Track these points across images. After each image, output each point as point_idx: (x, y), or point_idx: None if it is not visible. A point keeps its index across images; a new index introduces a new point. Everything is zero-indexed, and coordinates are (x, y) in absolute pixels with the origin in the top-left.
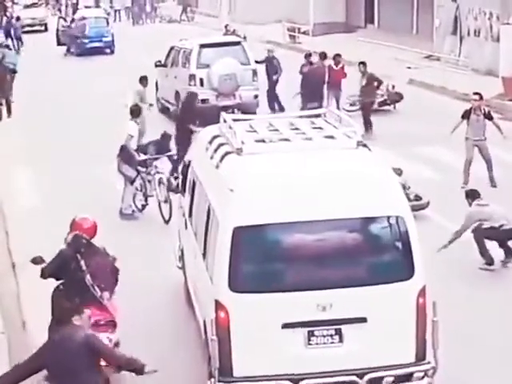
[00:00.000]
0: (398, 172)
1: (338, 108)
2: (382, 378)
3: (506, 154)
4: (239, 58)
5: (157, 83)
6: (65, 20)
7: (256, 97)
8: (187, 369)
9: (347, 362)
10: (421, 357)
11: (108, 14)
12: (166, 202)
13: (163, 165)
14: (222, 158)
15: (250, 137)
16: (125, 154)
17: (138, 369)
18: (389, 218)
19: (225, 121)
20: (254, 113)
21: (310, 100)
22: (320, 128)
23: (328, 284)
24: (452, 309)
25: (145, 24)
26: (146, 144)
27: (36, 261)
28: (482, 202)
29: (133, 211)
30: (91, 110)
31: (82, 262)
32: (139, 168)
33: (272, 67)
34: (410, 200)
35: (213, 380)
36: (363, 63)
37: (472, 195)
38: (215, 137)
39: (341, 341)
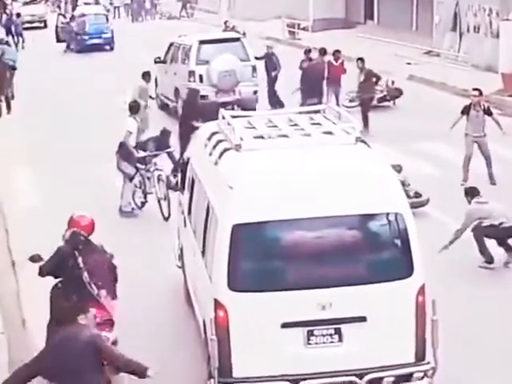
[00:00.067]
0: (398, 168)
1: (337, 104)
2: (381, 378)
3: (506, 150)
4: (239, 54)
5: (156, 79)
6: (64, 17)
7: (255, 93)
8: (187, 369)
9: (347, 362)
10: (420, 357)
11: (107, 10)
12: (165, 199)
13: (163, 162)
14: (221, 154)
15: (248, 133)
16: (124, 151)
17: (140, 372)
18: (388, 214)
19: (223, 117)
20: (254, 109)
21: (309, 96)
22: (319, 124)
23: (327, 282)
24: (452, 308)
25: (144, 21)
26: (145, 140)
27: (34, 259)
28: (482, 199)
29: (132, 209)
30: (91, 108)
31: (80, 259)
32: (138, 165)
33: (271, 63)
34: (409, 197)
35: (212, 380)
36: (361, 59)
37: (471, 193)
38: (214, 133)
39: (340, 340)
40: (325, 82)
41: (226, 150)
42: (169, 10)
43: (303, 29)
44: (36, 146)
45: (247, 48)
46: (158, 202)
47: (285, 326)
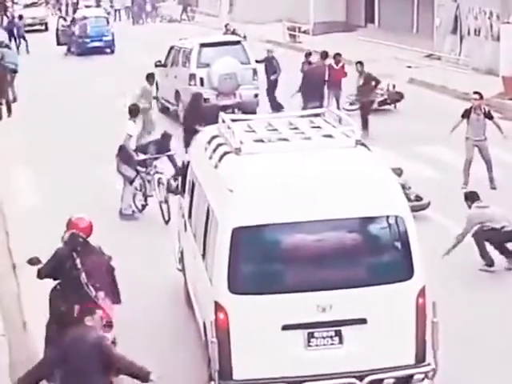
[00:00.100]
0: (398, 172)
1: (338, 107)
2: (381, 380)
3: (506, 154)
4: (239, 57)
5: (157, 83)
6: (65, 20)
7: (256, 96)
8: (187, 371)
9: (347, 363)
10: (421, 358)
11: (108, 13)
12: (165, 202)
13: (164, 165)
14: (221, 158)
15: (248, 137)
16: (124, 154)
17: (143, 376)
18: (388, 217)
19: (223, 121)
20: (255, 112)
21: (310, 99)
22: (319, 127)
23: (328, 285)
24: (452, 310)
25: (145, 23)
26: (146, 144)
27: (32, 261)
28: (482, 204)
29: (133, 211)
30: (91, 110)
31: (78, 261)
32: (138, 168)
33: (271, 67)
34: (410, 200)
35: (213, 382)
36: (360, 63)
37: (471, 197)
38: (214, 137)
39: (341, 342)
40: (325, 85)
41: (225, 153)
42: (169, 12)
43: (304, 32)
44: (36, 146)
45: (248, 51)
46: (160, 204)
47: (285, 328)
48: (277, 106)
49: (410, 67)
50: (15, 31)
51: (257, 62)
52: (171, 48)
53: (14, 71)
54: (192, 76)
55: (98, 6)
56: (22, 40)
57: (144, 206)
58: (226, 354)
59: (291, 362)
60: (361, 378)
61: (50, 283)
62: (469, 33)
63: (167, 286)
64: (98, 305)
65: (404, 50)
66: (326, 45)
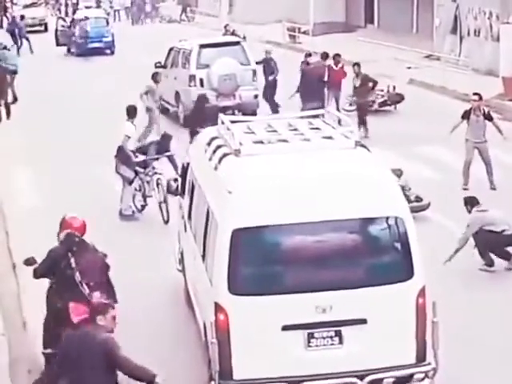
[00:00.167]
0: (398, 173)
1: (337, 108)
2: (382, 379)
3: (506, 155)
4: (239, 58)
5: None
6: (64, 20)
7: (256, 97)
8: (187, 371)
9: (347, 363)
10: (421, 358)
11: (108, 14)
12: (165, 202)
13: (164, 166)
14: (221, 159)
15: (248, 138)
16: (122, 155)
17: (148, 379)
18: (388, 218)
19: (223, 122)
20: (255, 113)
21: (308, 100)
22: (318, 129)
23: (327, 286)
24: (452, 310)
25: (144, 24)
26: (146, 144)
27: (29, 262)
28: (482, 207)
29: (133, 212)
30: (91, 111)
31: (72, 260)
32: (137, 169)
33: (269, 68)
34: (410, 201)
35: (213, 383)
36: (357, 64)
37: (471, 202)
38: (213, 138)
39: (341, 342)
40: (324, 85)
41: (225, 155)
42: (169, 13)
43: (304, 33)
44: (36, 146)
45: (247, 52)
46: (159, 205)
47: (285, 328)
48: (274, 106)
49: (409, 68)
50: (17, 32)
51: (255, 63)
52: (171, 49)
53: (14, 72)
54: (192, 77)
55: (98, 6)
56: (24, 40)
57: (143, 207)
58: (226, 354)
59: (291, 363)
60: (361, 378)
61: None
62: (468, 33)
63: (167, 286)
64: (90, 303)
65: (404, 50)
66: (326, 45)
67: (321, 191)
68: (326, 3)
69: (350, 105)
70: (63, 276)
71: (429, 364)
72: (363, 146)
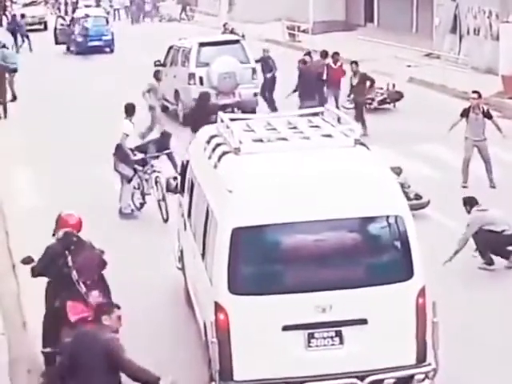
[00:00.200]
0: (398, 171)
1: (337, 106)
2: (382, 380)
3: (505, 153)
4: (238, 56)
5: None
6: (63, 19)
7: (255, 95)
8: (187, 371)
9: (348, 364)
10: (421, 358)
11: (108, 13)
12: (164, 200)
13: (163, 164)
14: (220, 157)
15: (247, 136)
16: (120, 153)
17: (152, 382)
18: (387, 217)
19: (222, 120)
20: (254, 111)
21: (306, 98)
22: (317, 127)
23: (327, 285)
24: (451, 309)
25: (143, 23)
26: (146, 143)
27: (26, 261)
28: (482, 207)
29: (132, 210)
30: (91, 110)
31: (69, 259)
32: (136, 167)
33: (267, 66)
34: (409, 199)
35: (213, 383)
36: (355, 62)
37: (470, 203)
38: (213, 136)
39: (341, 343)
40: (322, 84)
41: (225, 153)
42: (169, 12)
43: (303, 31)
44: (36, 146)
45: (247, 50)
46: (158, 203)
47: (285, 328)
48: (272, 104)
49: (409, 66)
50: (17, 30)
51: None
52: (170, 47)
53: (14, 70)
54: (191, 75)
55: (98, 5)
56: (25, 39)
57: (142, 205)
58: (227, 354)
59: (292, 363)
60: (361, 379)
61: None
62: (468, 32)
63: (167, 285)
64: (86, 302)
65: (403, 49)
66: (326, 44)
67: (320, 190)
68: (325, 2)
69: (350, 103)
70: (60, 274)
71: (429, 365)
72: (363, 144)
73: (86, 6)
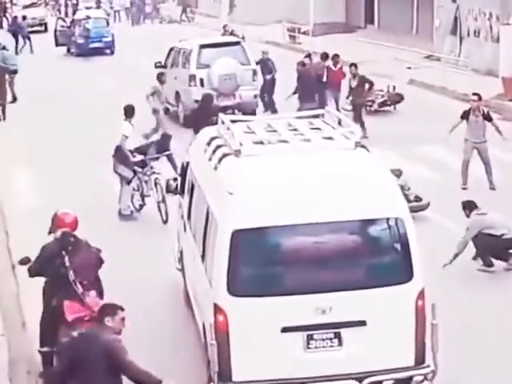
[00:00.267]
0: (398, 173)
1: (337, 108)
2: (381, 381)
3: (505, 154)
4: (239, 58)
5: None
6: (64, 21)
7: (256, 97)
8: (186, 372)
9: (347, 365)
10: (420, 360)
11: (108, 14)
12: (163, 201)
13: (162, 165)
14: (220, 159)
15: (248, 138)
16: (120, 155)
17: None
18: (388, 220)
19: (223, 122)
20: (254, 113)
21: (305, 101)
22: (318, 129)
23: (327, 287)
24: (451, 311)
25: (144, 24)
26: (146, 144)
27: (23, 261)
28: (481, 211)
29: (131, 211)
30: (91, 111)
31: (66, 259)
32: (135, 168)
33: (267, 68)
34: (409, 201)
35: None
36: (354, 65)
37: (469, 206)
38: (213, 138)
39: (340, 344)
40: (321, 86)
41: (225, 155)
42: (169, 13)
43: (304, 33)
44: (36, 146)
45: (247, 52)
46: (158, 205)
47: (284, 330)
48: (272, 105)
49: (409, 68)
50: (19, 32)
51: None
52: (171, 49)
53: (14, 72)
54: (192, 77)
55: (98, 7)
56: (26, 40)
57: (142, 206)
58: (226, 355)
59: (290, 364)
60: (360, 380)
61: None
62: (468, 34)
63: (167, 286)
64: (83, 302)
65: (404, 51)
66: (326, 46)
67: (321, 192)
68: (326, 4)
69: (349, 105)
70: (57, 274)
71: (428, 366)
72: (363, 146)
73: (87, 8)
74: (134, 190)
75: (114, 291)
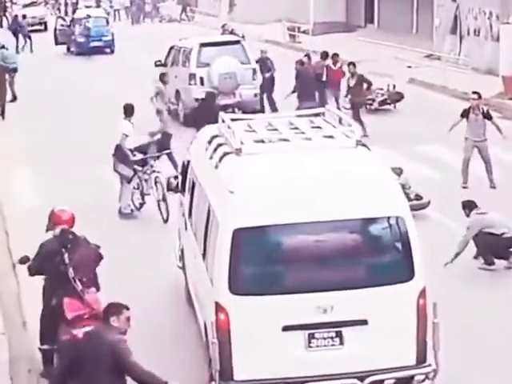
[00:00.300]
0: (398, 171)
1: (338, 107)
2: (382, 380)
3: (506, 153)
4: (239, 56)
5: None
6: (63, 19)
7: (256, 95)
8: (187, 371)
9: (348, 364)
10: (421, 359)
11: (108, 13)
12: (164, 200)
13: (163, 164)
14: (221, 158)
15: (249, 137)
16: (120, 154)
17: None
18: (389, 218)
19: (223, 120)
20: (254, 112)
21: (304, 99)
22: (319, 127)
23: (328, 286)
24: (451, 309)
25: (144, 23)
26: (146, 143)
27: (23, 260)
28: (481, 210)
29: (131, 210)
30: (91, 110)
31: (66, 256)
32: (136, 167)
33: (265, 67)
34: (410, 199)
35: (213, 383)
36: (353, 64)
37: (469, 206)
38: (214, 137)
39: (341, 343)
40: (320, 85)
41: (226, 153)
42: (169, 12)
43: (304, 32)
44: (36, 146)
45: (247, 51)
46: (158, 203)
47: (286, 329)
48: (271, 104)
49: (410, 67)
50: (19, 31)
51: None
52: (171, 48)
53: (14, 71)
54: (192, 75)
55: (98, 6)
56: (26, 39)
57: (142, 205)
58: (227, 354)
59: (292, 363)
60: (361, 379)
61: None
62: (468, 33)
63: (167, 285)
64: (83, 299)
65: (404, 50)
66: (326, 45)
67: (322, 191)
68: (326, 3)
69: (347, 104)
70: (57, 272)
71: (429, 365)
72: (364, 145)
73: (87, 7)
74: (134, 188)
75: (114, 290)
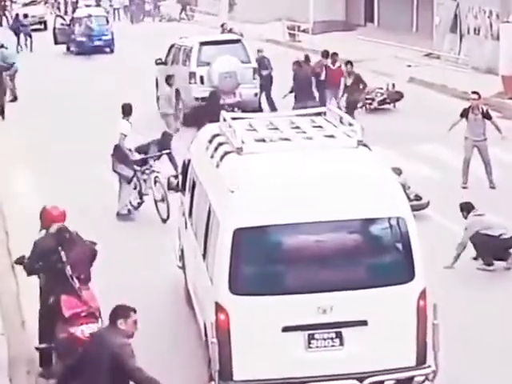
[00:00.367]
0: (398, 172)
1: (338, 107)
2: (382, 381)
3: (505, 153)
4: (239, 55)
5: (157, 81)
6: (63, 19)
7: (256, 95)
8: (187, 371)
9: (348, 365)
10: (421, 360)
11: (107, 12)
12: (162, 200)
13: (163, 164)
14: (222, 157)
15: (250, 136)
16: (119, 154)
17: None
18: (389, 219)
19: (224, 119)
20: (255, 111)
21: (299, 100)
22: (320, 127)
23: (328, 286)
24: (451, 310)
25: (143, 23)
26: (147, 143)
27: (19, 261)
28: (478, 212)
29: (129, 210)
30: (91, 110)
31: (63, 253)
32: (135, 167)
33: (263, 66)
34: (410, 200)
35: (213, 383)
36: (350, 63)
37: (466, 208)
38: (215, 136)
39: (341, 344)
40: (322, 84)
41: (227, 152)
42: (169, 11)
43: (303, 31)
44: (36, 146)
45: (248, 50)
46: (155, 203)
47: (286, 329)
48: (270, 103)
49: (409, 66)
50: (20, 30)
51: None
52: (171, 46)
53: (15, 70)
54: (192, 74)
55: (98, 5)
56: (28, 38)
57: (140, 204)
58: (227, 354)
59: (292, 364)
60: (361, 380)
61: None
62: (468, 32)
63: (167, 285)
64: (80, 297)
65: (404, 48)
66: (326, 44)
67: (323, 191)
68: (325, 2)
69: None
70: (54, 270)
71: (429, 367)
72: (365, 145)
73: (86, 6)
74: (132, 188)
75: (114, 290)
